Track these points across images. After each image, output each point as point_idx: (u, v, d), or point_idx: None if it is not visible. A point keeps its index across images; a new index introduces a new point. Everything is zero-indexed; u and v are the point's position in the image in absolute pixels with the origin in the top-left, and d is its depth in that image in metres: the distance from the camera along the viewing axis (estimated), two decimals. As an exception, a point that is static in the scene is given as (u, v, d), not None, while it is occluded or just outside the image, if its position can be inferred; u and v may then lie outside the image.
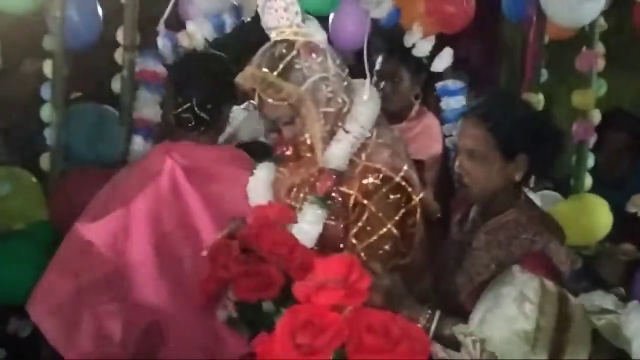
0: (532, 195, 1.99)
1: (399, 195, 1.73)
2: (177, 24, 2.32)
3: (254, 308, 1.32)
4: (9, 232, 2.14)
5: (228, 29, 2.26)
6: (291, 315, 1.10)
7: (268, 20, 1.72)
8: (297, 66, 1.69)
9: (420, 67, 2.51)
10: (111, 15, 2.24)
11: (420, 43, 2.31)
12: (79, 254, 1.78)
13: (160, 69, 2.19)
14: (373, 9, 2.19)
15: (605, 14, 2.22)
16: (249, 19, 2.26)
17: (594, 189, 2.35)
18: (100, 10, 2.23)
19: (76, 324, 1.77)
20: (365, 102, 1.79)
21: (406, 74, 2.56)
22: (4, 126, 2.52)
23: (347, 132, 1.75)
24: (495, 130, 1.68)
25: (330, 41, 2.16)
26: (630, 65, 2.83)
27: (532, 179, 2.13)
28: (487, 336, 1.27)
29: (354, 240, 1.78)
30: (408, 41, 2.31)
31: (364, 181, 1.75)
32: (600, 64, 2.30)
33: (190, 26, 2.14)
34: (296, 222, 1.69)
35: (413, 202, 1.73)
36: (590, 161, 2.35)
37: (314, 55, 1.71)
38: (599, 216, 2.25)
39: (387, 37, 2.50)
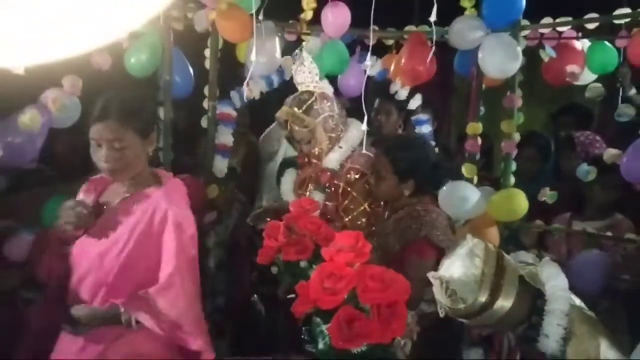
0: (474, 189, 2.33)
1: (365, 183, 2.14)
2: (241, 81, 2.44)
3: (294, 265, 1.52)
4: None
5: (275, 85, 2.53)
6: (320, 270, 1.26)
7: (298, 77, 2.20)
8: (314, 107, 2.14)
9: (401, 106, 2.77)
10: (201, 76, 2.47)
11: (400, 91, 2.62)
12: None
13: (232, 112, 2.47)
14: (369, 69, 2.48)
15: (521, 69, 2.37)
16: (287, 79, 2.50)
17: (516, 185, 2.47)
18: (192, 72, 2.49)
19: None
20: (353, 131, 2.20)
21: (394, 110, 2.81)
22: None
23: (340, 147, 2.20)
24: (393, 162, 2.04)
25: (339, 91, 2.65)
26: (539, 103, 3.11)
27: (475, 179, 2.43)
28: (449, 279, 1.38)
29: (342, 214, 2.16)
30: (393, 89, 2.63)
31: (349, 176, 2.17)
32: (519, 102, 2.45)
33: (251, 83, 2.40)
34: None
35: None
36: (513, 166, 2.50)
37: (325, 101, 2.18)
38: (520, 203, 2.33)
39: (380, 88, 2.71)
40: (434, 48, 2.43)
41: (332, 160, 2.18)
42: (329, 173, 2.19)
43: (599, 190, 2.51)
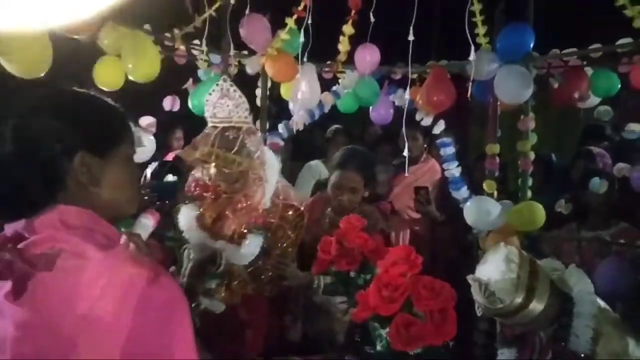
0: (495, 203, 2.32)
1: (300, 218, 1.79)
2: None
3: (345, 275, 1.51)
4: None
5: (316, 117, 2.53)
6: (378, 280, 1.24)
7: (218, 112, 1.61)
8: (247, 145, 1.63)
9: (426, 131, 2.79)
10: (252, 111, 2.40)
11: (426, 118, 2.58)
12: None
13: (280, 142, 2.46)
14: (397, 100, 2.56)
15: (533, 95, 2.35)
16: (326, 111, 2.53)
17: (532, 198, 2.44)
18: None
19: None
20: (271, 162, 1.74)
21: (419, 136, 2.88)
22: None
23: (266, 182, 1.71)
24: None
25: (372, 120, 2.69)
26: (550, 124, 3.01)
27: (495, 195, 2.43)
28: (488, 281, 1.35)
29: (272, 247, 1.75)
30: (418, 117, 2.58)
31: (288, 213, 1.77)
32: (532, 124, 2.44)
33: (296, 117, 2.44)
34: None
35: (304, 219, 1.80)
36: (530, 182, 2.48)
37: (252, 136, 1.67)
38: (538, 214, 2.31)
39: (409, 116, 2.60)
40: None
41: (267, 200, 1.73)
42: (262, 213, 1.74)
43: (604, 199, 2.41)
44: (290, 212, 1.78)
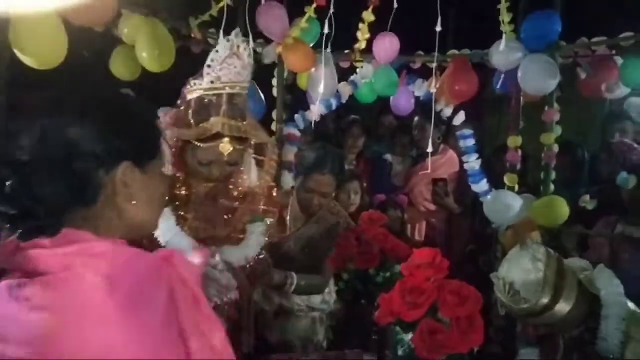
0: (516, 197, 2.26)
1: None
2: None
3: (363, 272, 1.50)
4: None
5: (333, 107, 2.49)
6: (401, 284, 1.21)
7: (225, 74, 1.32)
8: (250, 116, 1.42)
9: (441, 122, 2.68)
10: (267, 102, 2.43)
11: (445, 109, 2.53)
12: None
13: (297, 132, 2.43)
14: (417, 90, 2.51)
15: (558, 86, 2.27)
16: (343, 101, 2.47)
17: (554, 192, 2.40)
18: (263, 99, 2.41)
19: None
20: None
21: (427, 127, 2.62)
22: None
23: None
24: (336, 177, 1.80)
25: (392, 109, 2.65)
26: (575, 116, 2.86)
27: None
28: (513, 280, 1.29)
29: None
30: (438, 107, 2.49)
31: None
32: (557, 116, 2.38)
33: (312, 107, 2.39)
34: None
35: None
36: (552, 175, 2.42)
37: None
38: (561, 209, 2.25)
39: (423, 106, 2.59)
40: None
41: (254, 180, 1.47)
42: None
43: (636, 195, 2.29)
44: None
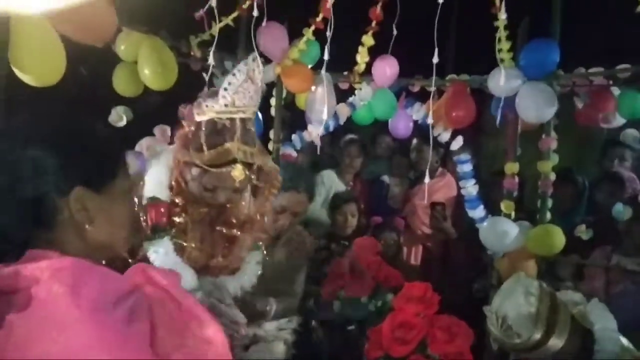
0: (512, 225, 2.24)
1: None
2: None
3: (356, 300, 1.47)
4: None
5: (331, 129, 2.52)
6: (391, 318, 1.19)
7: (240, 99, 1.28)
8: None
9: (439, 145, 2.66)
10: (265, 121, 2.41)
11: (443, 133, 2.56)
12: None
13: (293, 152, 2.48)
14: (414, 114, 2.53)
15: (555, 114, 2.25)
16: (342, 123, 2.51)
17: (551, 220, 2.34)
18: (261, 118, 2.34)
19: None
20: None
21: (425, 149, 2.64)
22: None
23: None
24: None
25: (390, 132, 2.64)
26: (573, 143, 2.87)
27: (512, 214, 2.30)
28: (505, 315, 1.27)
29: None
30: (435, 132, 2.50)
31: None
32: (554, 145, 2.35)
33: (310, 128, 2.43)
34: None
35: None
36: (549, 203, 2.37)
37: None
38: (557, 238, 2.22)
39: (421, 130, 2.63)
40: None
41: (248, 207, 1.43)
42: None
43: (637, 227, 2.29)
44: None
